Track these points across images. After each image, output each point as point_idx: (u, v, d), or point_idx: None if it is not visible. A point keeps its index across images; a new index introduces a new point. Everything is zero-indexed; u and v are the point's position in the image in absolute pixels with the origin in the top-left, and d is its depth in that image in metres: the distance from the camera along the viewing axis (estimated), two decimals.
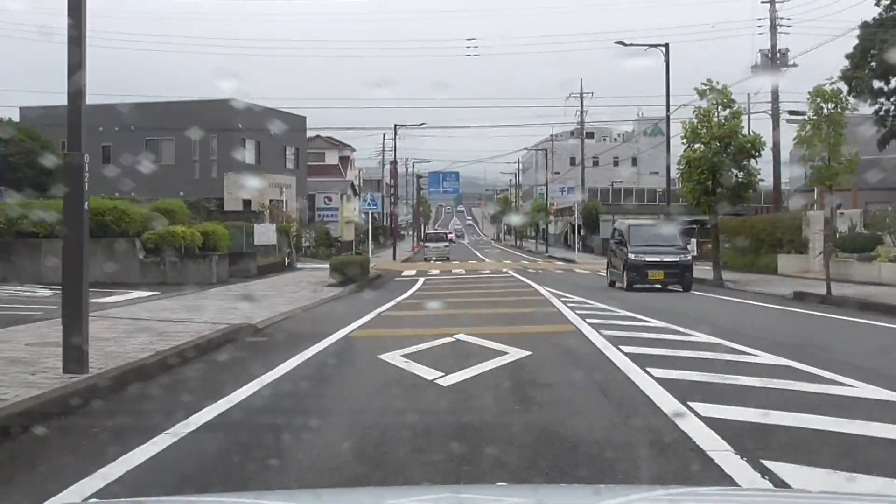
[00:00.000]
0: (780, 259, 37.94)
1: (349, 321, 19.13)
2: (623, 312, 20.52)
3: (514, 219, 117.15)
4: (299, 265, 47.44)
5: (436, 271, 47.10)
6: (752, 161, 32.48)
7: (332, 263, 33.26)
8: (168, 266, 31.29)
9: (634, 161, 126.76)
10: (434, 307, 23.47)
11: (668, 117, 41.39)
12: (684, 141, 33.56)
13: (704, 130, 32.61)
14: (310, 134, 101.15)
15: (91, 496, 6.31)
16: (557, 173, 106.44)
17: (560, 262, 60.84)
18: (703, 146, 32.75)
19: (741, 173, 32.40)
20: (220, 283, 31.93)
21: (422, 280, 38.26)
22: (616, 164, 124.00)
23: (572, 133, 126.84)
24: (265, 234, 45.50)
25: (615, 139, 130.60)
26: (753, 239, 40.36)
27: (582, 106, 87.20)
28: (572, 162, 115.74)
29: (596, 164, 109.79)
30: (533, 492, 3.71)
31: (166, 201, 38.30)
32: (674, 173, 36.45)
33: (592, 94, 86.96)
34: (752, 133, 32.85)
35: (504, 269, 48.33)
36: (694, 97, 33.10)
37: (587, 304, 23.04)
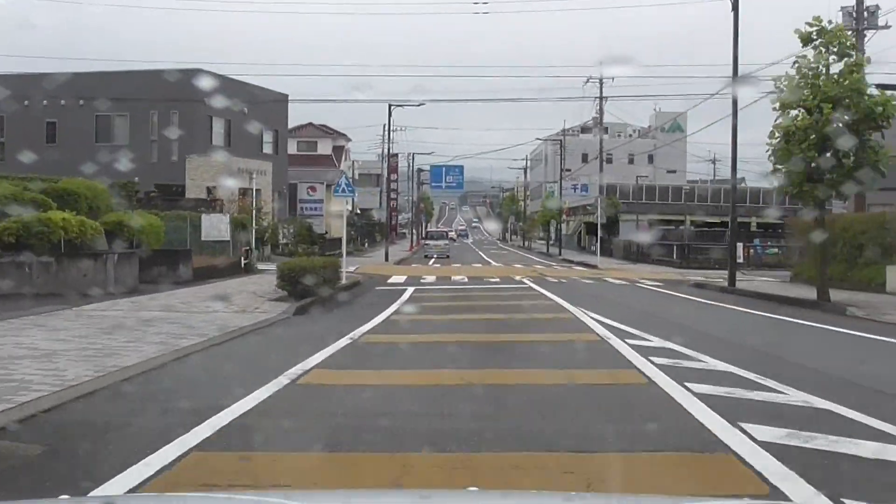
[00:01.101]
0: (890, 272, 28.22)
1: (222, 398, 9.48)
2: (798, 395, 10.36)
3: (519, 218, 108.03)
4: (263, 266, 37.91)
5: (431, 278, 37.52)
6: (879, 134, 22.83)
7: (282, 269, 23.69)
8: (35, 269, 21.78)
9: (651, 158, 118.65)
10: (411, 355, 14.03)
11: (734, 74, 31.38)
12: (776, 107, 23.89)
13: (808, 91, 23.02)
14: (302, 121, 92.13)
15: None
16: (569, 170, 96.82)
17: (581, 268, 51.07)
18: (805, 113, 23.16)
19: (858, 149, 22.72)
20: (117, 293, 22.48)
21: (409, 292, 28.73)
22: (631, 161, 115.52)
23: (583, 129, 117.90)
24: (215, 226, 35.96)
25: (630, 135, 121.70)
26: (846, 244, 30.73)
27: (601, 92, 77.18)
28: (584, 159, 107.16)
29: (609, 161, 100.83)
30: (502, 498, 3.51)
31: (72, 181, 28.77)
32: (738, 160, 26.88)
33: (613, 79, 76.59)
34: (881, 93, 23.13)
35: (517, 277, 38.76)
36: (769, 66, 23.27)
37: (694, 361, 12.86)
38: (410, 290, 29.60)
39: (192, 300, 22.36)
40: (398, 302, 24.54)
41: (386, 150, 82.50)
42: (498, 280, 36.62)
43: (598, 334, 16.39)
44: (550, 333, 17.07)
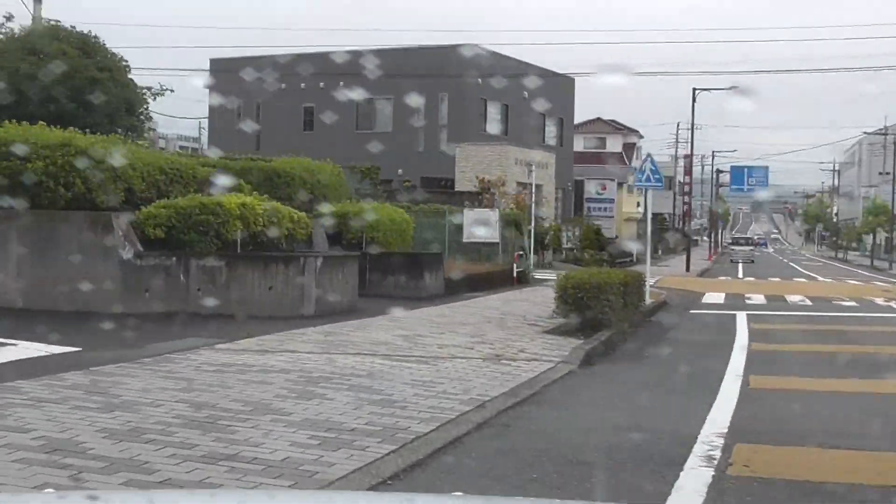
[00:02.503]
0: None
1: None
2: None
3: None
4: (542, 275, 30.02)
5: (757, 297, 28.32)
6: None
7: (563, 285, 15.45)
8: (193, 277, 14.60)
9: None
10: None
11: None
12: None
13: None
14: (589, 116, 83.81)
15: None
16: (888, 174, 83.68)
17: None
18: None
19: None
20: (317, 315, 15.06)
21: (742, 320, 19.95)
22: None
23: None
24: (480, 224, 28.27)
25: None
26: None
27: None
28: None
29: None
30: (485, 502, 3.68)
31: (286, 160, 21.76)
32: None
33: None
34: None
35: (872, 298, 29.05)
36: None
37: None
38: (741, 316, 20.80)
39: (424, 329, 14.61)
40: (739, 341, 15.98)
41: (690, 138, 72.34)
42: (853, 303, 27.04)
43: None
44: None
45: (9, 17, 29.80)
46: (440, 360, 11.71)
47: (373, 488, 6.22)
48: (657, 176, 23.36)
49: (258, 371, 10.08)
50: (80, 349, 11.04)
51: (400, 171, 43.01)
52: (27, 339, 11.31)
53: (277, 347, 11.91)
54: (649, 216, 24.88)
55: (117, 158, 14.39)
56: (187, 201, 14.84)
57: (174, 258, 14.60)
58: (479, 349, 12.95)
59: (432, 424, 8.00)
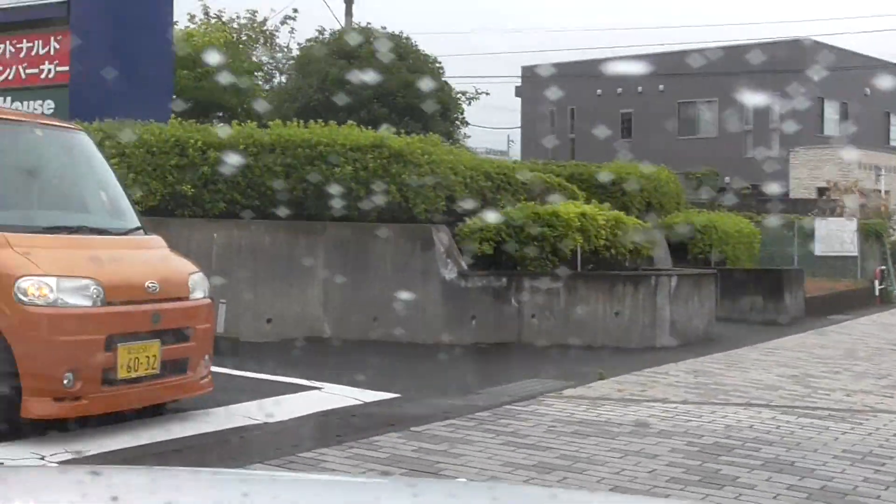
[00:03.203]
0: None
1: None
2: None
3: None
4: None
5: None
6: None
7: None
8: (528, 302, 12.16)
9: None
10: None
11: None
12: None
13: None
14: None
15: None
16: None
17: None
18: None
19: None
20: (669, 346, 12.33)
21: None
22: None
23: None
24: (835, 236, 24.55)
25: None
26: None
27: None
28: None
29: None
30: (489, 490, 3.22)
31: (619, 164, 19.16)
32: None
33: None
34: None
35: None
36: None
37: None
38: None
39: (810, 366, 11.56)
40: None
41: None
42: None
43: None
44: None
45: (321, 32, 29.07)
46: (859, 415, 8.70)
47: None
48: None
49: (629, 434, 7.45)
50: (398, 395, 8.84)
51: (727, 178, 39.56)
52: (333, 381, 9.22)
53: (641, 394, 9.25)
54: None
55: (437, 162, 12.24)
56: (519, 211, 12.43)
57: (504, 278, 12.25)
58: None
59: None
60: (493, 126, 45.02)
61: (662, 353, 12.04)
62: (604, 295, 12.46)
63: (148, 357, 6.69)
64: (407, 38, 21.64)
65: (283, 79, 29.69)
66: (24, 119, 7.80)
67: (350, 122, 12.72)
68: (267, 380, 9.12)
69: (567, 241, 12.39)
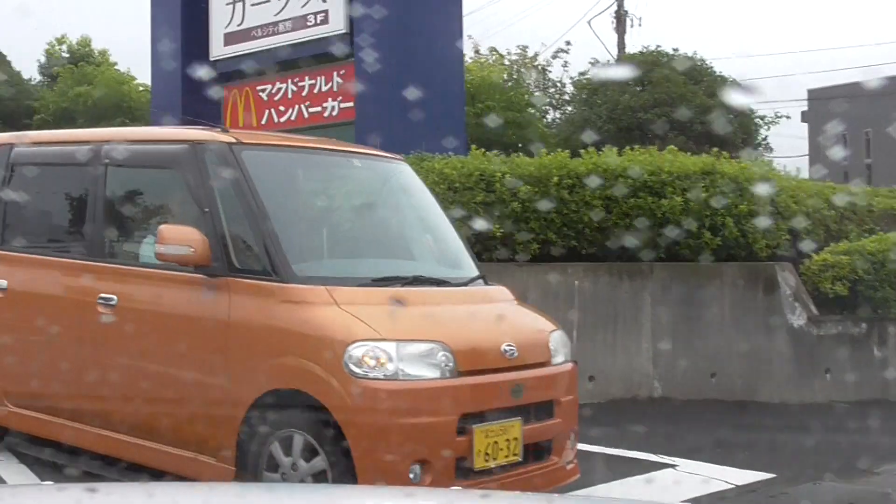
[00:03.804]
0: None
1: None
2: None
3: None
4: None
5: None
6: None
7: None
8: None
9: None
10: None
11: None
12: None
13: None
14: None
15: None
16: None
17: None
18: None
19: None
20: None
21: None
22: None
23: None
24: None
25: None
26: None
27: None
28: None
29: None
30: (483, 498, 3.25)
31: None
32: None
33: None
34: None
35: None
36: None
37: None
38: None
39: None
40: None
41: None
42: None
43: None
44: None
45: (594, 63, 27.92)
46: None
47: None
48: None
49: None
50: (772, 475, 7.19)
51: None
52: (685, 456, 7.65)
53: None
54: None
55: (776, 190, 10.51)
56: (876, 243, 10.53)
57: (864, 324, 10.38)
58: None
59: None
60: (782, 155, 42.01)
61: None
62: None
63: (508, 441, 5.35)
64: (702, 60, 19.92)
65: (558, 114, 28.61)
66: (341, 149, 6.66)
67: (671, 146, 11.17)
68: (604, 453, 7.65)
69: None
